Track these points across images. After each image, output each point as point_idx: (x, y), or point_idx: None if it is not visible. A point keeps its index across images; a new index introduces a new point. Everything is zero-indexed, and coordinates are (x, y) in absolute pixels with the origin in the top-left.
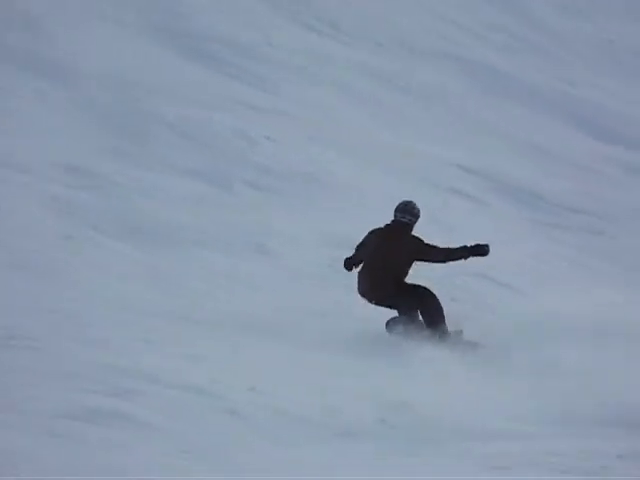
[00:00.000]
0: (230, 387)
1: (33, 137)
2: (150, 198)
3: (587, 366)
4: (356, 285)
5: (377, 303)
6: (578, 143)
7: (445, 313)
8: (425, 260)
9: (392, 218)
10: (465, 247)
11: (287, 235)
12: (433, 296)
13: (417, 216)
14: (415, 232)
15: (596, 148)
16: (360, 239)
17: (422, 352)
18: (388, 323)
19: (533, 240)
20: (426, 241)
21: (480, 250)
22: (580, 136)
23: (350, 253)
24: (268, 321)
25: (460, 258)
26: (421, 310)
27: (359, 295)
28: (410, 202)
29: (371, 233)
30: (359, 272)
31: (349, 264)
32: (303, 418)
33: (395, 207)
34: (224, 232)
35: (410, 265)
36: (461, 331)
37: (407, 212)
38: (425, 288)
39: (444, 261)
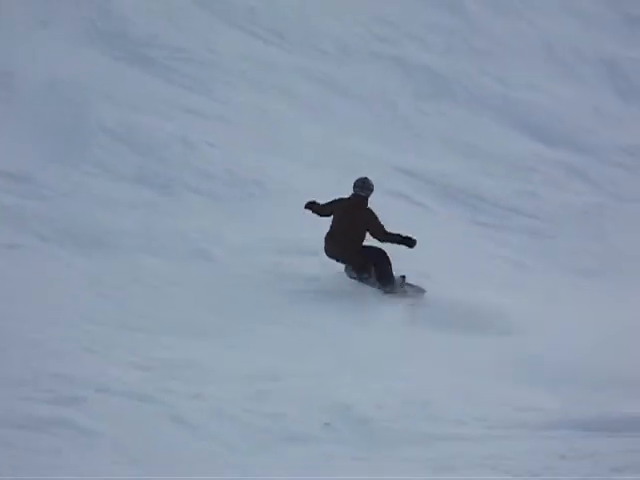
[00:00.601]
0: (175, 394)
1: None
2: (94, 205)
3: (529, 369)
4: (323, 249)
5: (342, 261)
6: (518, 145)
7: (393, 269)
8: (369, 232)
9: (352, 192)
10: (400, 235)
11: (230, 241)
12: (385, 255)
13: (372, 190)
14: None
15: (536, 149)
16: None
17: (364, 344)
18: (346, 268)
19: (474, 241)
20: (379, 219)
21: (410, 242)
22: (520, 138)
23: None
24: (212, 327)
25: (393, 242)
26: (374, 266)
27: (326, 256)
28: (366, 178)
29: (338, 201)
30: (325, 237)
31: (309, 205)
32: (248, 424)
33: (354, 183)
34: (168, 238)
35: (366, 231)
36: (404, 276)
37: (365, 187)
38: (379, 249)
39: (382, 240)
